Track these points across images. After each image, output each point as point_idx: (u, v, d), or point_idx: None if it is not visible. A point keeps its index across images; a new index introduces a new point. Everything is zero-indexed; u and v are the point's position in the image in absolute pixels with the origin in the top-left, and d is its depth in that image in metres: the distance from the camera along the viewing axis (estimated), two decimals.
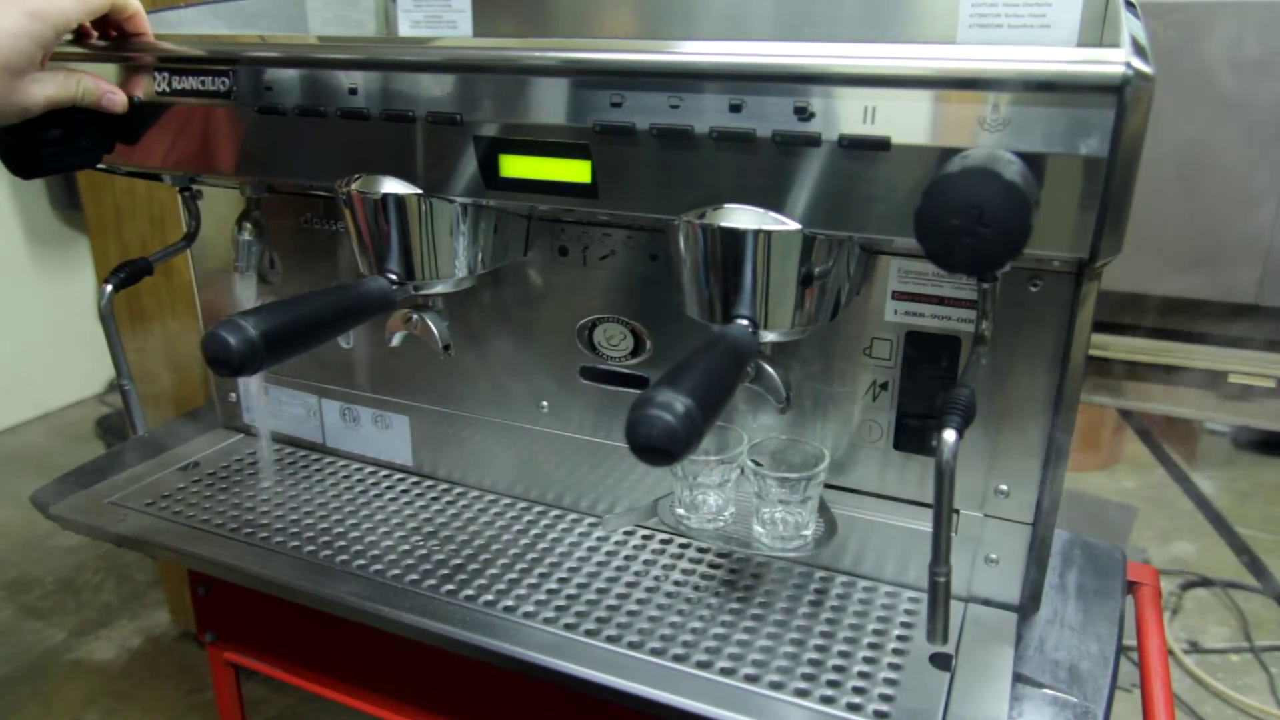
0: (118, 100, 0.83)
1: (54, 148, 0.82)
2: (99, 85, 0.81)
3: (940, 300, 0.76)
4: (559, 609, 0.81)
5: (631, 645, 0.76)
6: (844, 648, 0.76)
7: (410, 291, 0.83)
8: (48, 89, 0.77)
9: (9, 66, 0.73)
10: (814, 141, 0.61)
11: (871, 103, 0.59)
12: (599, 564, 0.88)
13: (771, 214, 0.65)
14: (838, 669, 0.74)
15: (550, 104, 0.68)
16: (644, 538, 0.92)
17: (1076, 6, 0.62)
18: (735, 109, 0.63)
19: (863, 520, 0.85)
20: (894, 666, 0.74)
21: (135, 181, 0.99)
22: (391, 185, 0.77)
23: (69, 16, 0.76)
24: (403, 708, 0.94)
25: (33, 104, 0.76)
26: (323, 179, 0.80)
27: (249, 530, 0.93)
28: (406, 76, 0.73)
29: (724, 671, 0.73)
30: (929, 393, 0.79)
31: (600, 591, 0.83)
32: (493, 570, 0.86)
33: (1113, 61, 0.53)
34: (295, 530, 0.93)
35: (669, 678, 0.73)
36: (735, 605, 0.81)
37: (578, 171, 0.70)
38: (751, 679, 0.72)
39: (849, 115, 0.60)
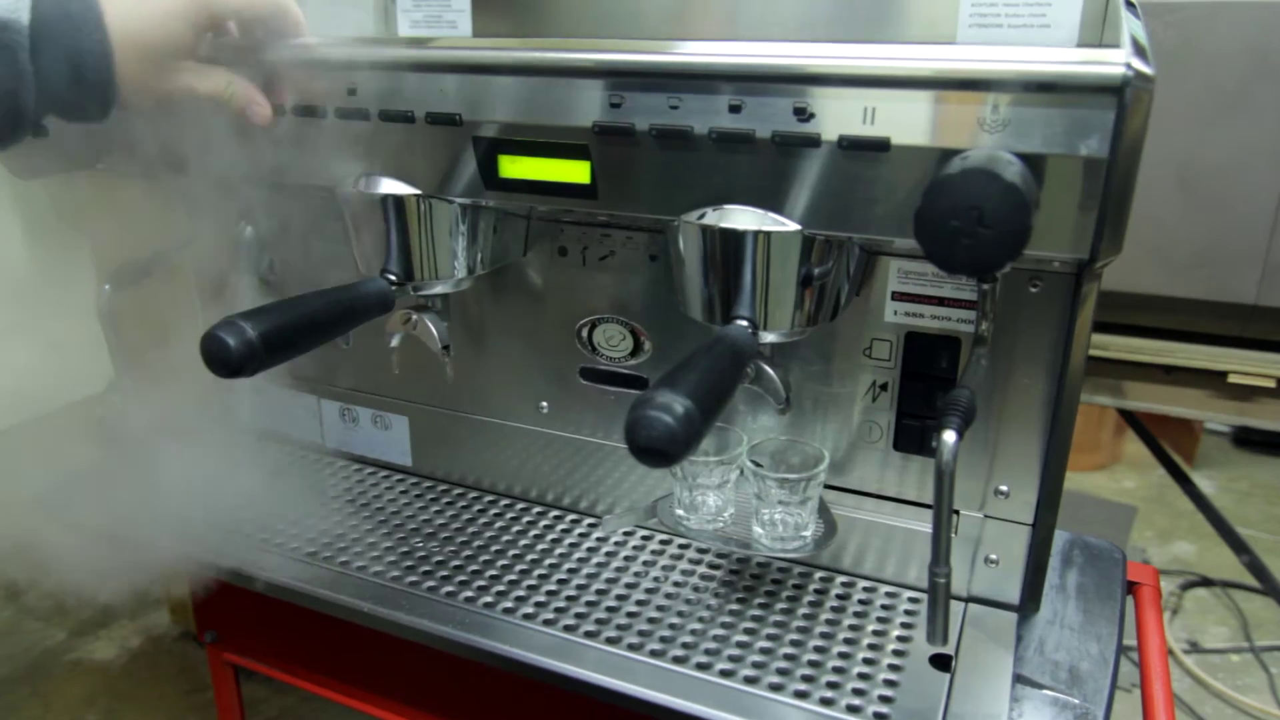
0: (261, 112, 0.74)
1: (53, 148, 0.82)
2: (248, 92, 0.73)
3: (940, 301, 0.76)
4: (559, 610, 0.81)
5: (631, 647, 0.76)
6: (844, 648, 0.76)
7: (410, 292, 0.83)
8: (192, 80, 0.70)
9: (156, 48, 0.66)
10: (814, 142, 0.61)
11: (871, 103, 0.59)
12: (599, 565, 0.88)
13: (771, 214, 0.65)
14: (837, 670, 0.74)
15: (550, 104, 0.68)
16: (644, 538, 0.92)
17: (1076, 6, 0.62)
18: (735, 109, 0.63)
19: (863, 521, 0.85)
20: (894, 667, 0.74)
21: (135, 181, 0.99)
22: (391, 185, 0.77)
23: (230, 5, 0.70)
24: (403, 708, 0.94)
25: (173, 91, 0.69)
26: (323, 179, 0.80)
27: (249, 530, 0.93)
28: (406, 76, 0.73)
29: (724, 673, 0.73)
30: (929, 393, 0.78)
31: (600, 593, 0.83)
32: (492, 571, 0.86)
33: (1113, 62, 0.53)
34: (295, 531, 0.93)
35: (669, 679, 0.73)
36: (735, 606, 0.81)
37: (577, 172, 0.70)
38: (751, 680, 0.72)
39: (849, 116, 0.60)
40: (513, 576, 0.86)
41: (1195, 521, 2.36)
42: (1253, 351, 1.08)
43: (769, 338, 0.71)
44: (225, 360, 0.67)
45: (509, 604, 0.82)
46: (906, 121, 0.59)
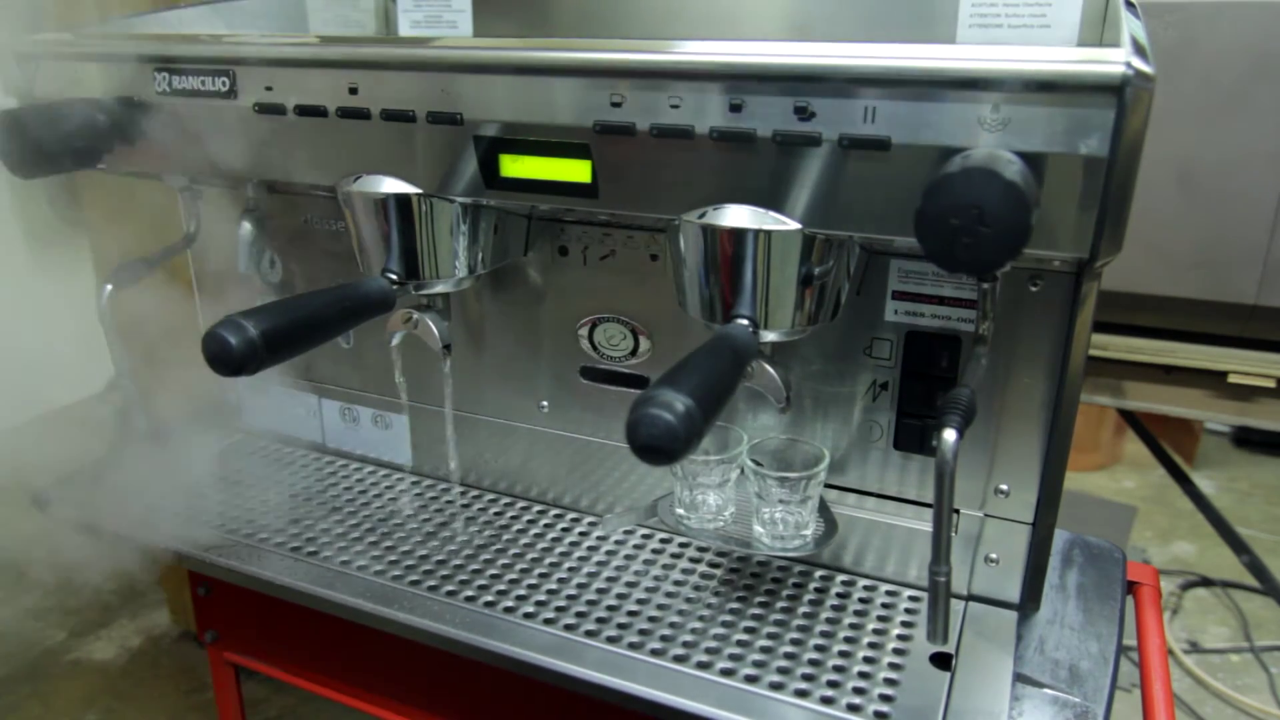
0: None
1: (54, 148, 0.82)
2: None
3: (940, 300, 0.76)
4: (559, 609, 0.81)
5: (632, 646, 0.76)
6: (844, 647, 0.76)
7: (410, 291, 0.83)
8: None
9: None
10: (814, 141, 0.61)
11: (871, 103, 0.59)
12: (599, 564, 0.88)
13: (771, 214, 0.65)
14: (838, 669, 0.74)
15: (550, 104, 0.68)
16: (644, 537, 0.92)
17: (1076, 6, 0.62)
18: (735, 109, 0.63)
19: (863, 519, 0.85)
20: (894, 666, 0.74)
21: (135, 181, 0.99)
22: (391, 185, 0.77)
23: None
24: (403, 708, 0.94)
25: None
26: (323, 179, 0.80)
27: (249, 530, 0.93)
28: (406, 76, 0.73)
29: (724, 672, 0.73)
30: (929, 392, 0.79)
31: (600, 592, 0.83)
32: (493, 570, 0.86)
33: (1113, 61, 0.53)
34: (295, 530, 0.93)
35: (669, 678, 0.73)
36: (735, 605, 0.81)
37: (578, 171, 0.70)
38: (751, 679, 0.72)
39: (849, 115, 0.60)
40: (513, 576, 0.86)
41: (1195, 521, 2.36)
42: (1253, 351, 1.09)
43: (769, 337, 0.71)
44: (227, 359, 0.67)
45: (509, 603, 0.82)
46: (907, 121, 0.59)
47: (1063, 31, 0.62)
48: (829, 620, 0.80)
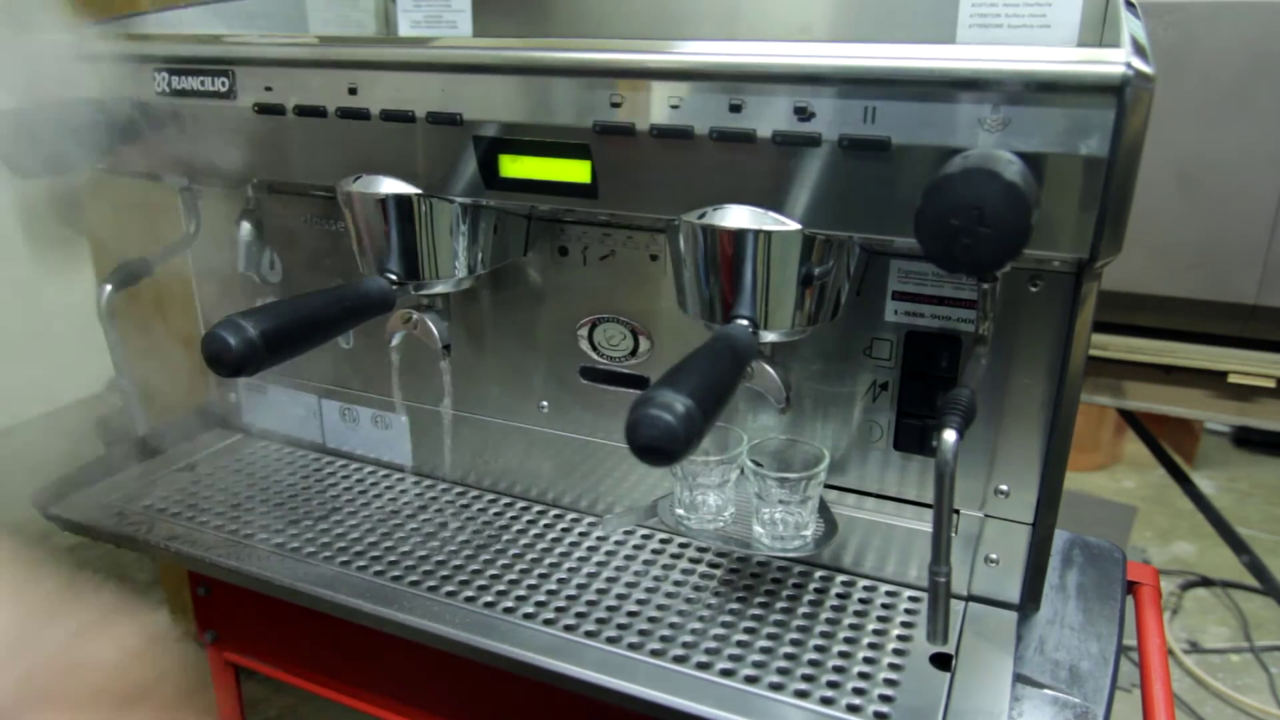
0: None
1: (55, 148, 0.82)
2: None
3: (940, 300, 0.76)
4: (559, 610, 0.81)
5: (632, 646, 0.76)
6: (844, 648, 0.76)
7: (410, 291, 0.83)
8: None
9: None
10: (814, 141, 0.61)
11: (871, 103, 0.59)
12: (599, 564, 0.88)
13: (771, 214, 0.65)
14: (838, 669, 0.74)
15: (550, 104, 0.68)
16: (644, 538, 0.92)
17: (1076, 6, 0.62)
18: (735, 109, 0.63)
19: (863, 520, 0.85)
20: (894, 667, 0.74)
21: (135, 181, 0.99)
22: (391, 185, 0.77)
23: None
24: (403, 708, 0.94)
25: None
26: (323, 179, 0.81)
27: (249, 530, 0.93)
28: (406, 76, 0.73)
29: (724, 673, 0.73)
30: (929, 393, 0.78)
31: (600, 592, 0.83)
32: (493, 571, 0.86)
33: (1113, 61, 0.53)
34: (295, 531, 0.93)
35: (669, 679, 0.73)
36: (735, 605, 0.81)
37: (578, 171, 0.70)
38: (751, 680, 0.72)
39: (849, 115, 0.60)
40: (513, 576, 0.86)
41: (1195, 521, 2.36)
42: (1253, 351, 1.08)
43: (769, 337, 0.71)
44: (227, 359, 0.67)
45: (509, 604, 0.82)
46: (907, 121, 0.59)
47: (1063, 31, 0.62)
48: (829, 621, 0.80)
